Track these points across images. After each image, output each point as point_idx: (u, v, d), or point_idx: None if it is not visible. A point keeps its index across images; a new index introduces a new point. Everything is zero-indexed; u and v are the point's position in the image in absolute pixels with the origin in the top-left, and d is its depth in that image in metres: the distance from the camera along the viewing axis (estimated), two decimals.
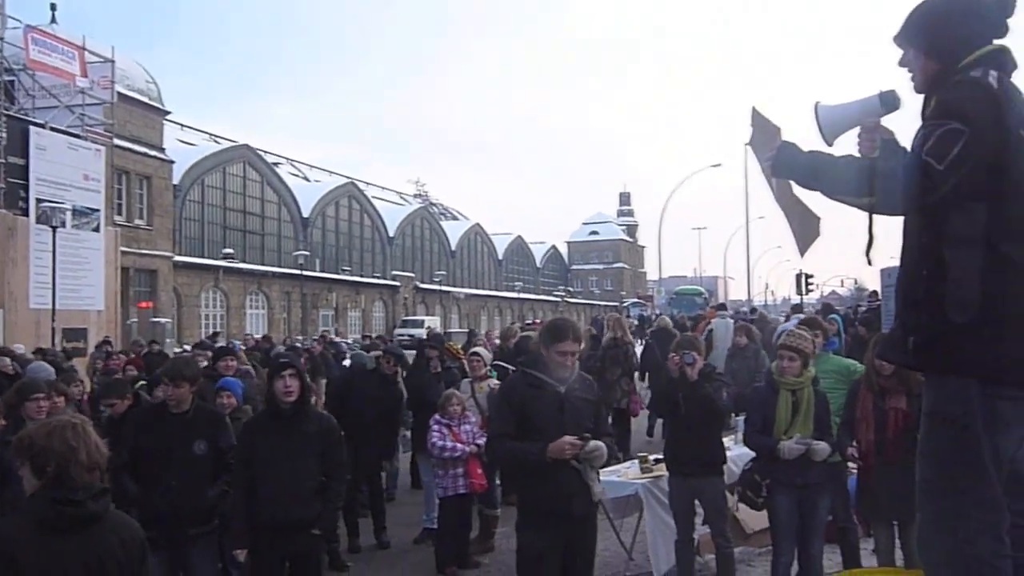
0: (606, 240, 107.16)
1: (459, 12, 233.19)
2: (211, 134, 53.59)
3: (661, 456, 6.54)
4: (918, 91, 2.73)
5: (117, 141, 28.83)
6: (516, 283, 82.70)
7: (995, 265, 2.46)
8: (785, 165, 2.71)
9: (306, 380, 5.12)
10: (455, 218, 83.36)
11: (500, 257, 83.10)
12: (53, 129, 23.77)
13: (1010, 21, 2.65)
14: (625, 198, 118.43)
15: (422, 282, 63.69)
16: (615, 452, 4.80)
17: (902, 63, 2.79)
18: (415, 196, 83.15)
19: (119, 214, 30.85)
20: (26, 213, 22.58)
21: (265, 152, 53.34)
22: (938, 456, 2.58)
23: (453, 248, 72.90)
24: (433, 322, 55.06)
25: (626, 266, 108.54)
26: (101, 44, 26.37)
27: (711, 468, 5.95)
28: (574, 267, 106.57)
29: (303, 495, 4.97)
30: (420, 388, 8.69)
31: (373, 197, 64.74)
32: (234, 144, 49.19)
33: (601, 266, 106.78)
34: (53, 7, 29.13)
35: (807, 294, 43.72)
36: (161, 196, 34.39)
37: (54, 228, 21.13)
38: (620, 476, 6.95)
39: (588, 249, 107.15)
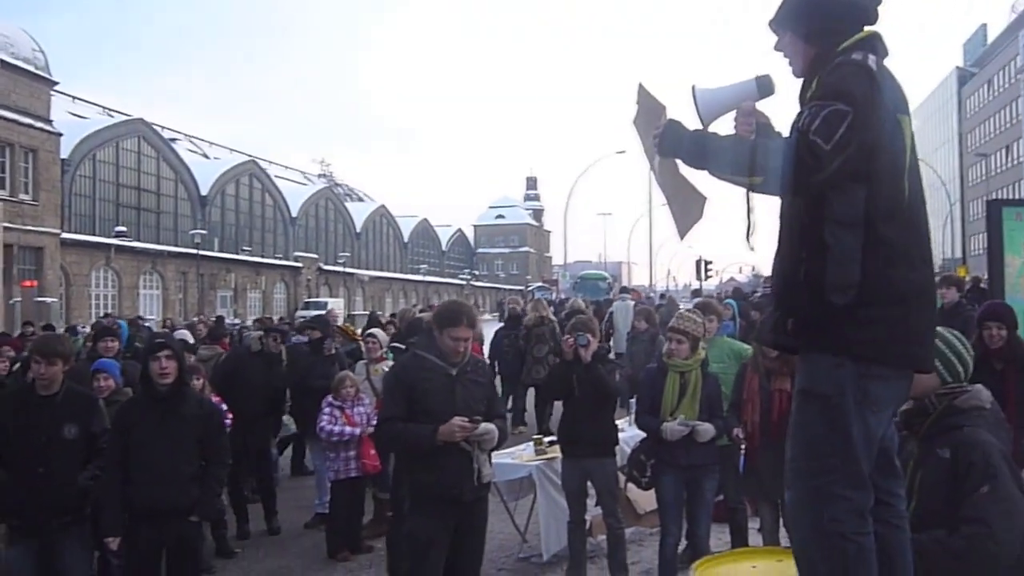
0: (512, 224, 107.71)
1: None
2: (105, 107, 51.68)
3: (556, 438, 6.55)
4: (797, 75, 2.75)
5: (1, 112, 27.43)
6: (421, 266, 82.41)
7: (873, 246, 2.48)
8: (671, 143, 2.67)
9: (183, 362, 4.91)
10: (360, 200, 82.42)
11: (406, 240, 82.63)
12: None
13: (880, 9, 2.69)
14: (532, 182, 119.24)
15: (326, 264, 62.75)
16: (507, 434, 4.76)
17: (778, 47, 2.79)
18: (319, 176, 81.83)
19: (2, 188, 29.39)
20: None
21: (162, 128, 51.66)
22: (808, 434, 2.60)
23: (358, 230, 72.10)
24: (336, 304, 54.25)
25: (532, 250, 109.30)
26: None
27: (603, 449, 5.98)
28: (480, 251, 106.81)
29: (180, 480, 4.80)
30: (304, 371, 8.52)
31: (276, 176, 63.48)
32: (128, 118, 47.43)
33: (507, 250, 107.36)
34: None
35: (706, 280, 44.71)
36: (48, 170, 32.83)
37: None
38: (514, 458, 6.94)
39: (494, 233, 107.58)
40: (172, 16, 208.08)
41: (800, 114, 2.51)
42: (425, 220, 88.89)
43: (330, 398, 7.39)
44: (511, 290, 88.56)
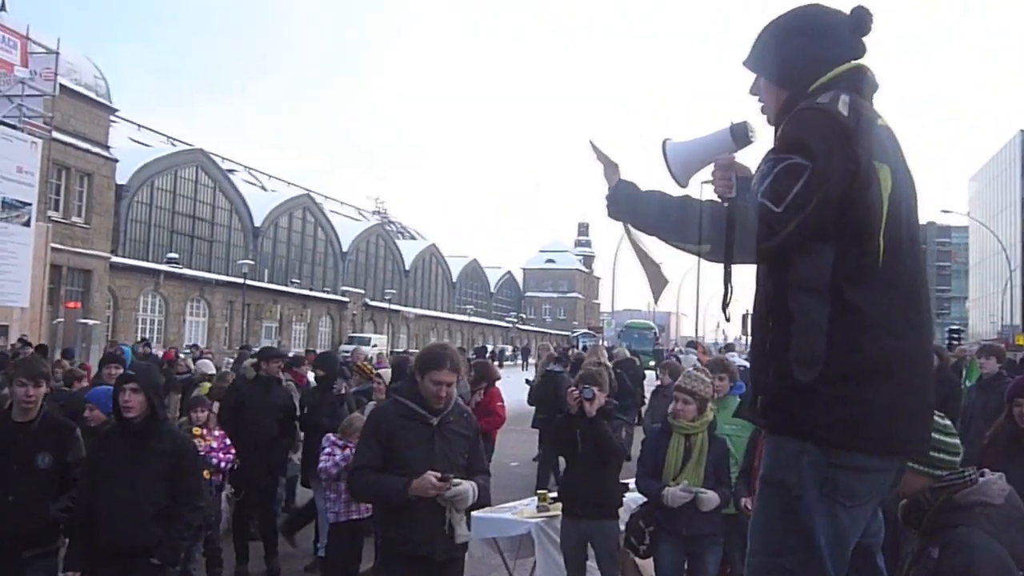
0: (562, 269, 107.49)
1: (427, 30, 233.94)
2: (168, 136, 52.71)
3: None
4: (771, 122, 2.43)
5: (59, 135, 28.04)
6: (468, 306, 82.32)
7: (843, 315, 2.15)
8: (620, 206, 2.42)
9: (153, 395, 4.68)
10: (412, 237, 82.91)
11: (454, 279, 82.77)
12: None
13: (867, 40, 2.35)
14: (583, 228, 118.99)
15: (372, 299, 62.99)
16: (488, 493, 4.43)
17: (753, 91, 2.49)
18: (374, 212, 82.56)
19: (55, 210, 29.96)
20: None
21: (222, 158, 52.60)
22: (766, 529, 2.27)
23: (407, 267, 72.40)
24: (380, 340, 54.41)
25: (580, 296, 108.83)
26: (52, 35, 25.69)
27: (605, 510, 5.66)
28: (528, 294, 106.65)
29: (142, 518, 4.57)
30: (312, 409, 8.29)
31: (330, 211, 64.16)
32: (188, 148, 48.36)
33: (555, 294, 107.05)
34: None
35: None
36: (102, 195, 33.44)
37: None
38: (515, 513, 6.63)
39: (543, 277, 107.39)
40: (245, 49, 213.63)
41: (758, 168, 2.22)
42: (475, 261, 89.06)
43: (332, 435, 7.14)
44: (557, 335, 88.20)
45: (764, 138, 2.43)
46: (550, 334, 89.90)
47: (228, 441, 7.47)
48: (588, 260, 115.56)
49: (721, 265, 2.33)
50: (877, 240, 2.17)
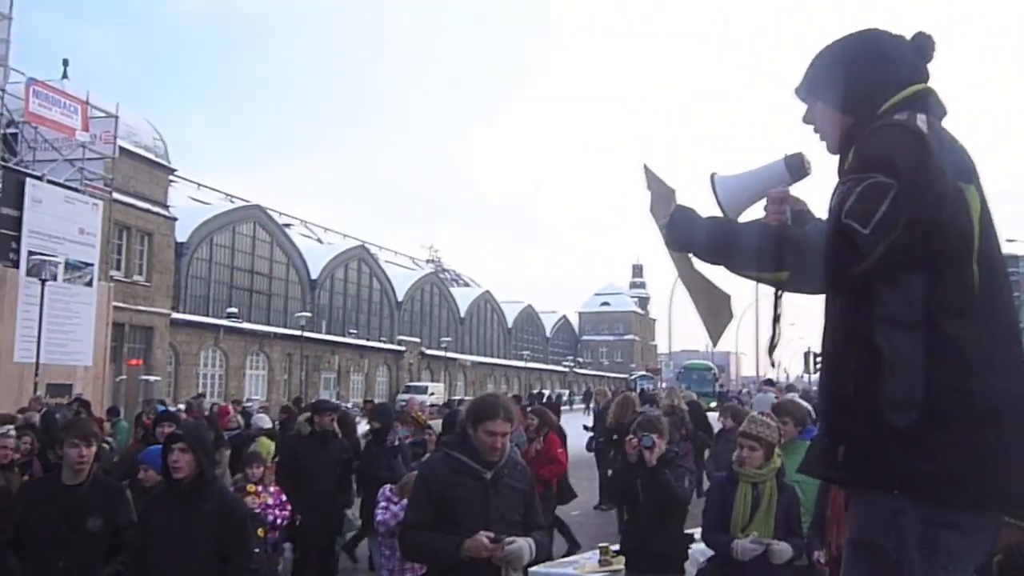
0: (617, 312, 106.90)
1: (480, 79, 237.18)
2: (226, 194, 53.83)
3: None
4: (832, 151, 2.25)
5: (120, 196, 28.77)
6: (525, 352, 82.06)
7: (941, 352, 1.93)
8: (680, 235, 2.22)
9: (202, 454, 4.58)
10: (466, 285, 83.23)
11: (509, 325, 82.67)
12: (50, 182, 23.68)
13: (931, 67, 2.20)
14: (638, 270, 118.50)
15: (428, 348, 63.13)
16: (547, 548, 4.21)
17: (807, 120, 2.31)
18: (428, 261, 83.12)
19: (116, 269, 30.62)
20: (17, 265, 22.37)
21: (279, 213, 53.55)
22: None
23: (462, 315, 72.54)
24: (437, 388, 54.39)
25: (637, 338, 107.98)
26: (112, 99, 26.53)
27: (669, 564, 5.41)
28: (584, 338, 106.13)
29: None
30: (368, 462, 8.15)
31: (385, 261, 64.72)
32: (246, 204, 49.31)
33: (611, 337, 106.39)
34: (65, 62, 29.57)
35: (815, 373, 42.86)
36: (162, 253, 34.18)
37: (43, 281, 20.83)
38: (577, 568, 6.36)
39: (599, 320, 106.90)
40: (298, 108, 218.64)
41: (833, 193, 2.03)
42: (529, 306, 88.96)
43: (388, 487, 7.00)
44: (615, 378, 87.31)
45: (820, 169, 2.27)
46: (608, 377, 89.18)
47: (284, 497, 7.36)
48: (643, 302, 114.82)
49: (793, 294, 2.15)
50: (971, 267, 1.97)
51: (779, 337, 2.25)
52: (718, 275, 2.30)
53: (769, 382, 19.86)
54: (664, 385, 45.82)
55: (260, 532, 6.89)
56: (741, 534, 4.84)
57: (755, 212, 2.31)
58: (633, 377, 65.92)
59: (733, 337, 74.47)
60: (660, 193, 2.36)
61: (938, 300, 1.94)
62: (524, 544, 3.93)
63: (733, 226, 2.18)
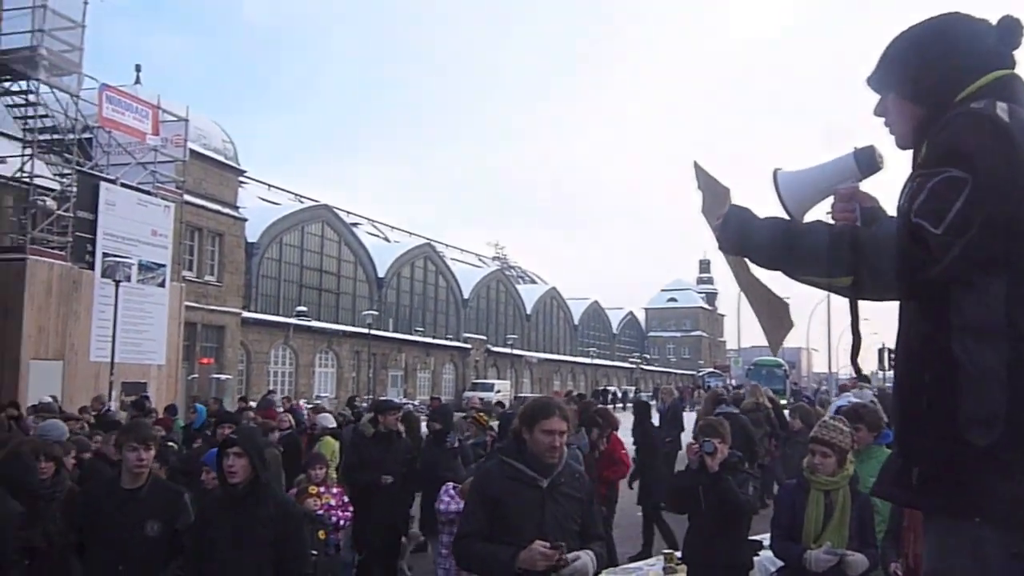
0: (684, 308, 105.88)
1: (544, 78, 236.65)
2: (295, 194, 54.67)
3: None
4: (902, 146, 2.06)
5: (191, 198, 29.40)
6: (591, 349, 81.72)
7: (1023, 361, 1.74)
8: (734, 237, 2.05)
9: (257, 459, 4.54)
10: (532, 281, 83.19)
11: (576, 322, 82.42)
12: (124, 185, 24.28)
13: (1018, 54, 1.97)
14: (705, 265, 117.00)
15: (494, 345, 63.25)
16: (605, 560, 4.07)
17: (878, 112, 2.11)
18: (493, 259, 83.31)
19: (189, 270, 31.30)
20: (92, 267, 23.01)
21: (346, 212, 54.17)
22: None
23: (528, 312, 72.51)
24: (503, 386, 54.52)
25: (704, 334, 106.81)
26: (182, 103, 27.15)
27: (733, 572, 5.20)
28: (651, 334, 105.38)
29: None
30: (429, 464, 8.08)
31: (451, 259, 65.04)
32: (315, 204, 50.00)
33: (679, 334, 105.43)
34: (138, 68, 30.41)
35: (890, 370, 41.74)
36: (232, 253, 34.84)
37: (117, 282, 21.37)
38: (640, 575, 6.19)
39: (666, 316, 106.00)
40: (372, 108, 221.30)
41: (902, 190, 1.86)
42: (596, 302, 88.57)
43: (452, 485, 6.96)
44: (683, 374, 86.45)
45: (893, 164, 2.08)
46: (675, 374, 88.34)
47: (346, 498, 7.35)
48: (711, 297, 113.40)
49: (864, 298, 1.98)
50: None
51: (861, 345, 2.08)
52: (777, 281, 2.14)
53: (864, 378, 19.17)
54: (733, 382, 45.08)
55: (321, 534, 6.88)
56: (814, 544, 4.63)
57: (820, 212, 2.13)
58: (701, 374, 65.15)
59: (803, 332, 72.98)
60: (713, 192, 2.21)
61: (1021, 305, 1.75)
62: (587, 559, 3.81)
63: (794, 227, 2.00)
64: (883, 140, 2.12)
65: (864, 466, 5.04)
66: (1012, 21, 1.96)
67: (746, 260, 2.11)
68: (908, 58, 2.01)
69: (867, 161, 2.07)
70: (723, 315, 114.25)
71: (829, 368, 55.57)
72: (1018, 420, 1.71)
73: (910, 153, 2.01)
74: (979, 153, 1.73)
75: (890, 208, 2.00)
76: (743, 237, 2.02)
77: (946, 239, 1.70)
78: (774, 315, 2.28)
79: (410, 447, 8.50)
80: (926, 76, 1.98)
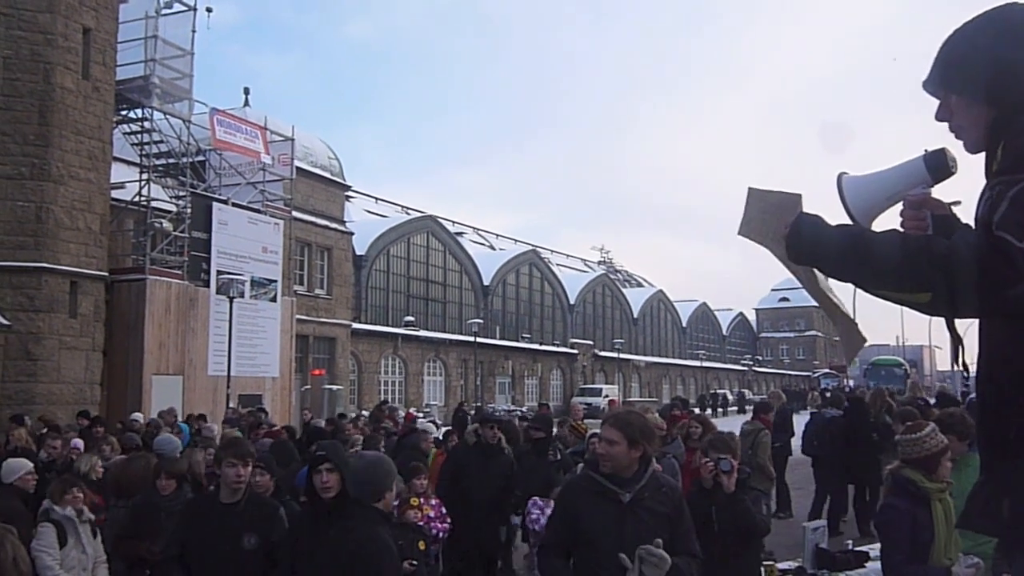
0: (797, 307, 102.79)
1: (647, 79, 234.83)
2: (401, 205, 55.71)
3: None
4: (971, 150, 1.89)
5: (299, 215, 30.26)
6: (700, 351, 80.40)
7: None
8: (805, 246, 1.89)
9: (346, 473, 4.60)
10: (639, 285, 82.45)
11: (684, 324, 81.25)
12: (235, 205, 25.22)
13: None
14: None
15: (601, 350, 62.91)
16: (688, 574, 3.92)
17: (940, 116, 1.94)
18: (599, 263, 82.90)
19: (300, 284, 32.21)
20: (207, 284, 23.95)
21: (451, 222, 54.84)
22: None
23: (635, 315, 71.88)
24: (611, 390, 54.11)
25: (819, 334, 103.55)
26: (288, 122, 28.04)
27: None
28: (763, 335, 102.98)
29: None
30: (528, 474, 7.98)
31: (556, 265, 65.04)
32: (419, 215, 50.80)
33: (792, 334, 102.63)
34: (246, 91, 31.41)
35: None
36: (341, 266, 35.70)
37: (231, 298, 22.17)
38: None
39: (777, 316, 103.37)
40: (474, 118, 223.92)
41: (980, 198, 1.71)
42: (704, 304, 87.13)
43: (538, 499, 6.95)
44: (797, 376, 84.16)
45: (966, 168, 1.93)
46: (789, 375, 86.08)
47: (444, 510, 7.37)
48: None
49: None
50: None
51: (962, 344, 1.93)
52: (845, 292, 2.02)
53: None
54: (851, 383, 43.60)
55: (421, 545, 6.92)
56: (947, 560, 4.26)
57: (889, 219, 2.01)
58: (816, 375, 63.25)
59: (926, 329, 69.94)
60: (779, 204, 2.10)
61: None
62: (665, 555, 3.67)
63: (866, 235, 1.86)
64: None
65: (960, 475, 4.64)
66: None
67: (815, 271, 2.01)
68: (971, 56, 1.84)
69: (938, 165, 1.92)
70: None
71: (952, 367, 53.18)
72: None
73: (983, 157, 1.87)
74: None
75: (967, 217, 1.87)
76: (814, 245, 1.87)
77: None
78: (847, 327, 2.17)
79: (511, 462, 8.21)
80: (1000, 76, 1.82)
